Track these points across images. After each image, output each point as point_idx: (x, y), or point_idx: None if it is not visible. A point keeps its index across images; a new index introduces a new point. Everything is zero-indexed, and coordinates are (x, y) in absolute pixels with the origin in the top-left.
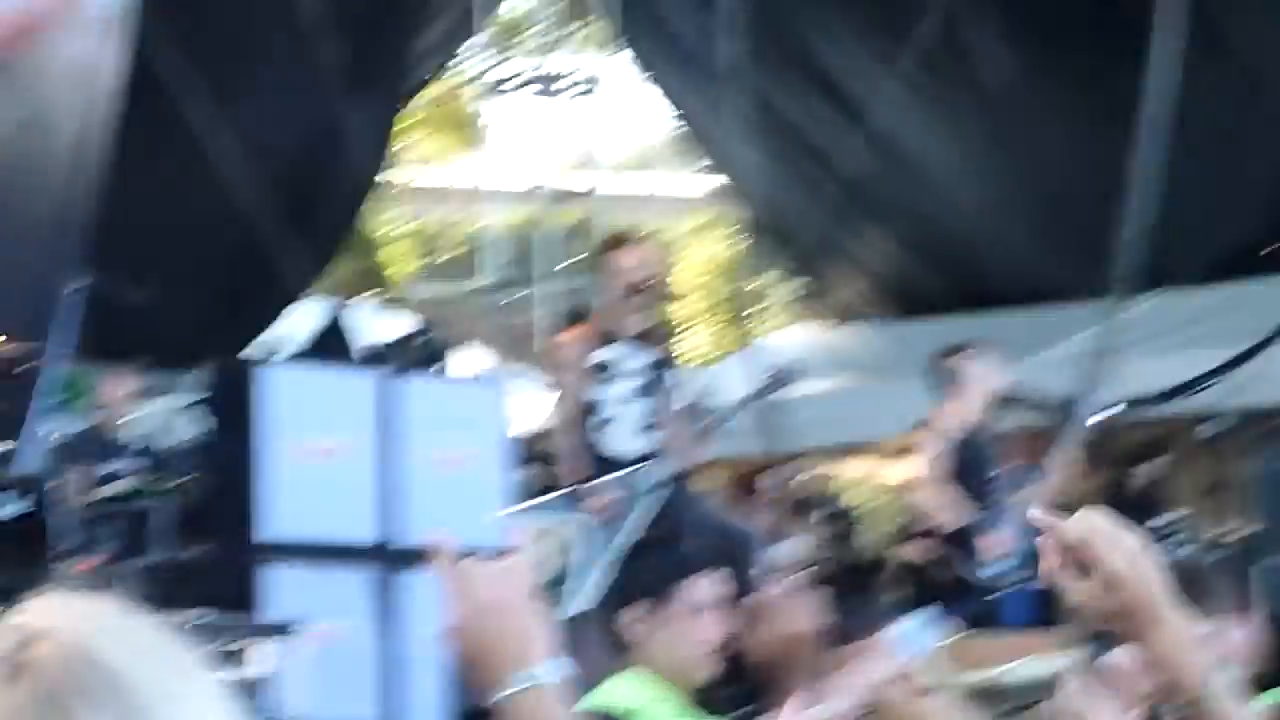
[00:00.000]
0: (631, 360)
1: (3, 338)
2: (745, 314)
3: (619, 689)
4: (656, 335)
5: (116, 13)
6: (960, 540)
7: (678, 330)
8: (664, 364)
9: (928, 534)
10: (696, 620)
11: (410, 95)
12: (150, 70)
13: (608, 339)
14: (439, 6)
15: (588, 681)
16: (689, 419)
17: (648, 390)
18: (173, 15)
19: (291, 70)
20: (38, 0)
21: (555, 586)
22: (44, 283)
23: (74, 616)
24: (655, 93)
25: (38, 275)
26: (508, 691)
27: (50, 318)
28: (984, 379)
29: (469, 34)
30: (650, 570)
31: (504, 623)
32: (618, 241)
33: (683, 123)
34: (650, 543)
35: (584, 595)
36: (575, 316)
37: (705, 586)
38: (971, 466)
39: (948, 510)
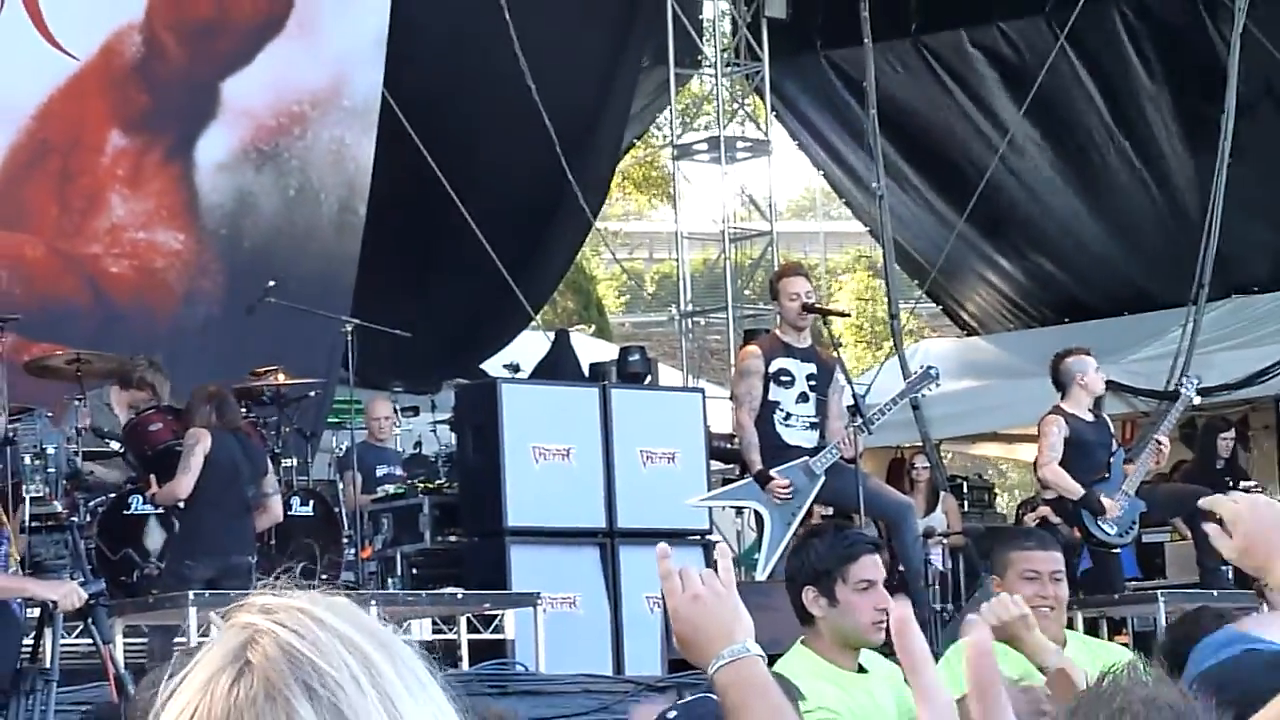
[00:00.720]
0: (802, 368)
1: (281, 374)
2: (893, 330)
3: (790, 662)
4: (821, 347)
5: (368, 103)
6: (1080, 506)
7: (838, 343)
8: (828, 371)
9: (1054, 502)
10: (866, 594)
11: (619, 157)
12: (402, 147)
13: (786, 351)
14: (641, 83)
15: (774, 641)
16: (851, 416)
17: (816, 392)
18: (418, 103)
19: (521, 137)
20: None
21: (748, 558)
22: (317, 325)
23: (299, 614)
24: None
25: (312, 319)
26: (722, 662)
27: (325, 353)
28: (1092, 375)
29: (663, 106)
30: (825, 551)
31: (714, 609)
32: (788, 271)
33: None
34: (824, 528)
35: (770, 564)
36: (754, 335)
37: (871, 565)
38: (1086, 447)
39: (1069, 482)
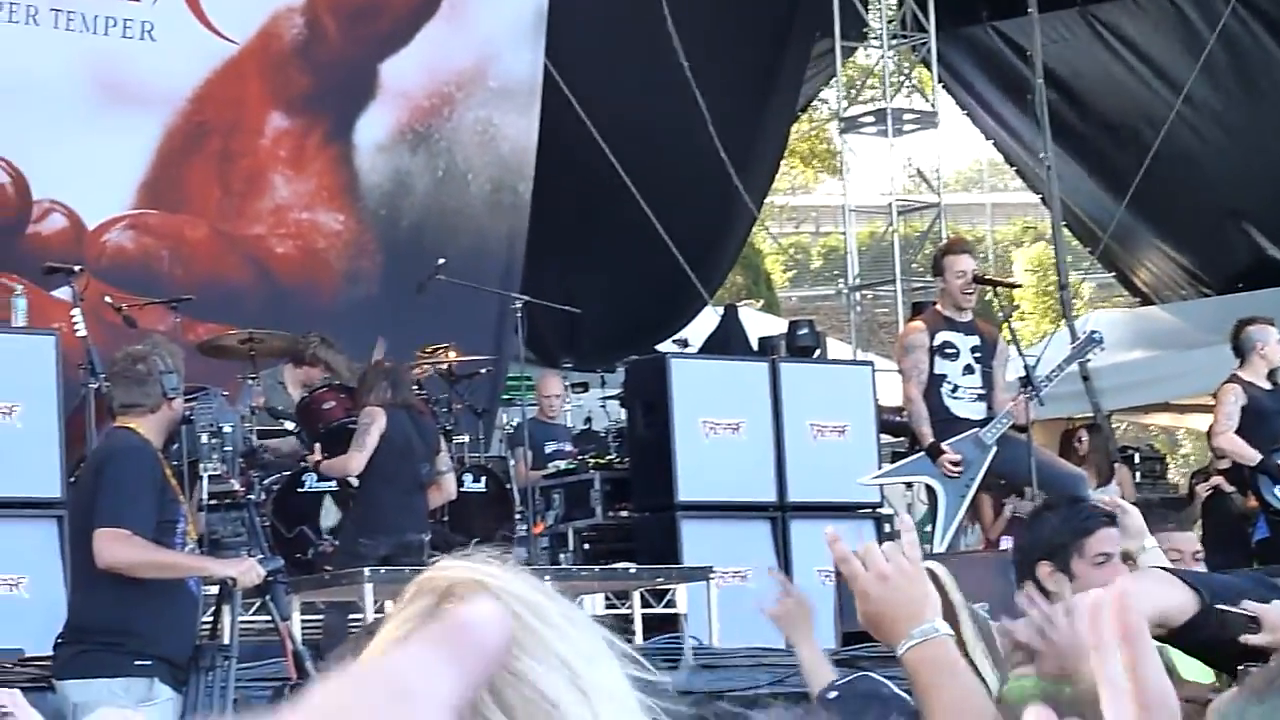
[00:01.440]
0: (966, 340)
1: (453, 352)
2: (1061, 300)
3: None
4: (982, 320)
5: (524, 84)
6: (1257, 473)
7: (1008, 315)
8: (991, 343)
9: (1228, 470)
10: (1102, 569)
11: (786, 139)
12: (573, 130)
13: (948, 324)
14: (811, 59)
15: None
16: (1020, 387)
17: (981, 364)
18: (587, 86)
19: (689, 120)
20: None
21: (921, 528)
22: (484, 303)
23: (488, 581)
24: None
25: (475, 297)
26: (912, 642)
27: (493, 330)
28: (1273, 345)
29: (828, 79)
30: (1060, 524)
31: (904, 588)
32: (953, 248)
33: (997, 149)
34: (1058, 500)
35: (947, 537)
36: (921, 308)
37: (1108, 538)
38: (1263, 415)
39: (1245, 449)
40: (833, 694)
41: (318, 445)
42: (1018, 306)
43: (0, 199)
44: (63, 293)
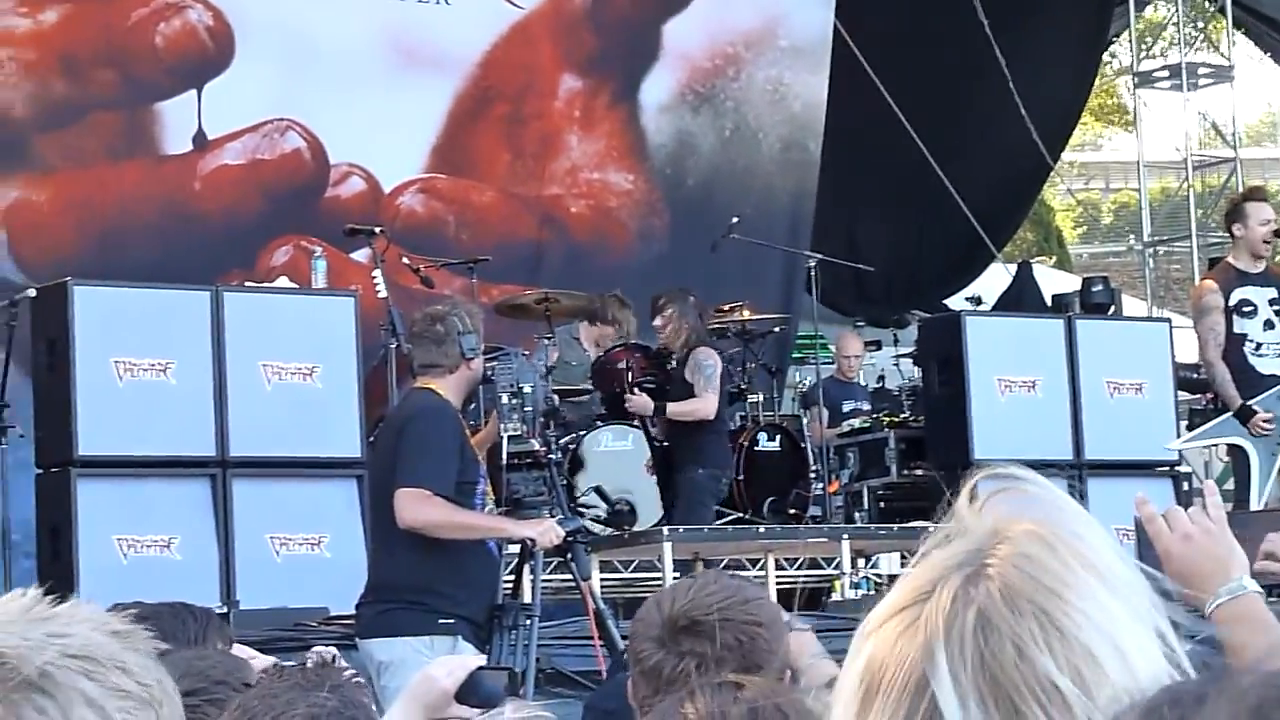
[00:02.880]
0: (1262, 293)
1: (747, 310)
2: None
3: None
4: (1275, 266)
5: (814, 42)
6: None
7: None
8: None
9: None
10: None
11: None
12: (865, 89)
13: (1242, 278)
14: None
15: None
16: None
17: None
18: (878, 47)
19: (984, 81)
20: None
21: (1220, 486)
22: (776, 261)
23: (1029, 525)
24: (1277, 74)
25: (768, 255)
26: (1220, 600)
27: (783, 288)
28: None
29: (1119, 33)
30: None
31: (1208, 548)
32: (1255, 195)
33: None
34: None
35: (1264, 495)
36: (1215, 264)
37: None
38: None
39: None
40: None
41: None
42: None
43: (297, 163)
44: (360, 255)
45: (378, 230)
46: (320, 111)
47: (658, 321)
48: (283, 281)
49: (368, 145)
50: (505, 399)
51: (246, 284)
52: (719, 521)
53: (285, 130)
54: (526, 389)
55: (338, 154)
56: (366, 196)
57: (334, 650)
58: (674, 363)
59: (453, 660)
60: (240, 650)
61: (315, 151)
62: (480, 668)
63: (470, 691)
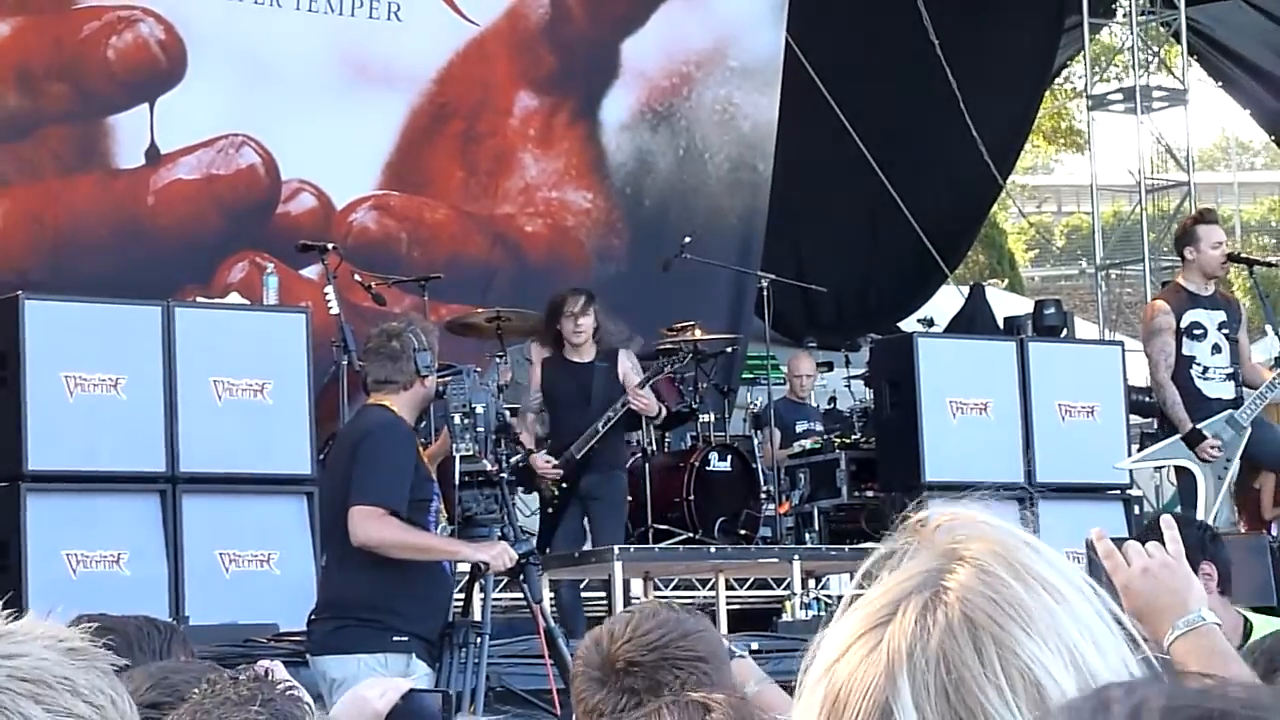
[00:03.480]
0: (1212, 317)
1: (698, 330)
2: None
3: None
4: (1229, 296)
5: (766, 62)
6: None
7: (1266, 295)
8: (1236, 312)
9: None
10: None
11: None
12: (814, 107)
13: (1193, 300)
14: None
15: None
16: (1268, 366)
17: (1229, 339)
18: (830, 65)
19: (932, 100)
20: None
21: (1169, 512)
22: (727, 281)
23: (989, 543)
24: (1229, 99)
25: (720, 275)
26: (1178, 633)
27: (733, 309)
28: None
29: (1072, 56)
30: None
31: (1166, 580)
32: (1206, 218)
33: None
34: None
35: (1211, 519)
36: (1166, 287)
37: None
38: None
39: None
40: None
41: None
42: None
43: (251, 179)
44: (311, 271)
45: (330, 247)
46: (273, 127)
47: (587, 320)
48: (234, 297)
49: (320, 161)
50: (458, 418)
51: (198, 299)
52: (670, 541)
53: (240, 145)
54: (479, 409)
55: (290, 170)
56: (318, 213)
57: (277, 663)
58: (588, 360)
59: (386, 681)
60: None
61: (269, 167)
62: (413, 690)
63: (404, 714)
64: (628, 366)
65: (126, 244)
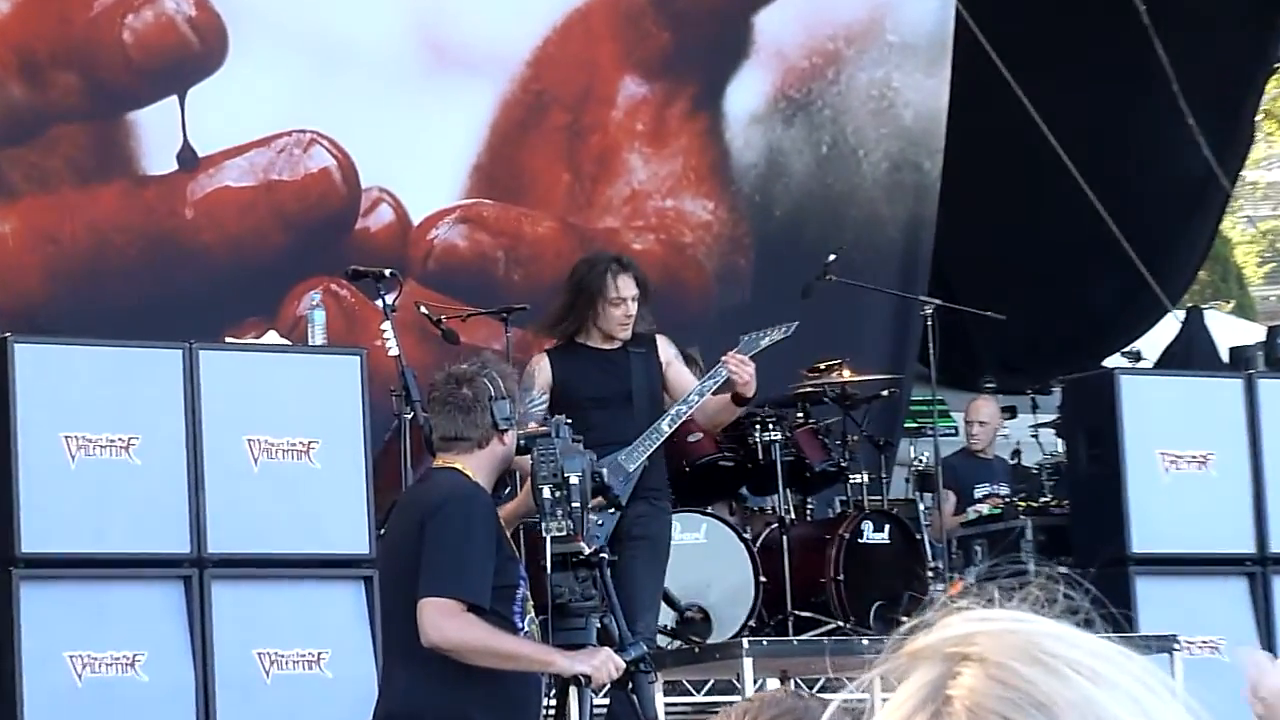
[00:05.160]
0: None
1: (847, 370)
2: None
3: None
4: None
5: (933, 37)
6: None
7: None
8: None
9: None
10: None
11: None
12: (993, 96)
13: None
14: None
15: None
16: None
17: None
18: (1008, 30)
19: (1129, 77)
20: None
21: None
22: (883, 310)
23: (998, 635)
24: None
25: (871, 304)
26: None
27: (894, 343)
28: None
29: None
30: None
31: None
32: None
33: None
34: None
35: None
36: None
37: None
38: None
39: None
40: None
41: None
42: None
43: (325, 186)
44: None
45: (388, 273)
46: (345, 123)
47: (635, 305)
48: (271, 337)
49: (396, 165)
50: (546, 491)
51: (227, 340)
52: (814, 632)
53: (309, 145)
54: (573, 479)
55: (368, 177)
56: (394, 229)
57: None
58: (618, 346)
59: None
60: None
61: (347, 172)
62: None
63: None
64: (671, 354)
65: (162, 268)
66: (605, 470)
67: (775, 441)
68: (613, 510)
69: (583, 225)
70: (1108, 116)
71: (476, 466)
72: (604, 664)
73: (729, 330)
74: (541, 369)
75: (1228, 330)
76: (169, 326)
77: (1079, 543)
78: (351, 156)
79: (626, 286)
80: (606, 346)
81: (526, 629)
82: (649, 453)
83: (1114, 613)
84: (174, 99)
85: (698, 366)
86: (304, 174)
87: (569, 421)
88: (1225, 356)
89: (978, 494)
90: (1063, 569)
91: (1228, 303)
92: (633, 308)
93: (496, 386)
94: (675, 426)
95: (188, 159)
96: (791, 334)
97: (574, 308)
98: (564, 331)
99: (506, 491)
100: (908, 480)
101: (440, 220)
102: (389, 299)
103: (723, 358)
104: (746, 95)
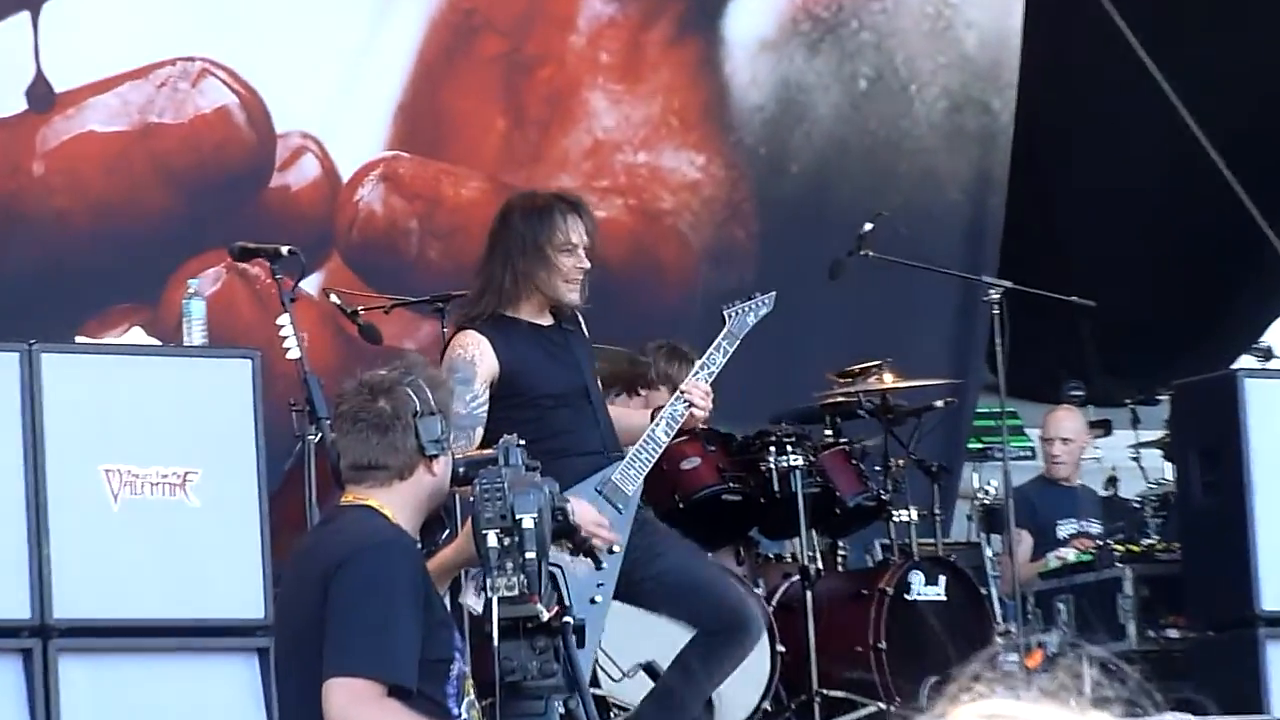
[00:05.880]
0: None
1: (888, 374)
2: None
3: None
4: None
5: None
6: None
7: None
8: None
9: None
10: None
11: None
12: (1070, 14)
13: None
14: None
15: None
16: None
17: None
18: None
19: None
20: None
21: None
22: (937, 296)
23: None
24: None
25: (927, 286)
26: None
27: (953, 340)
28: None
29: None
30: None
31: None
32: None
33: None
34: None
35: None
36: None
37: None
38: None
39: None
40: None
41: None
42: None
43: (225, 133)
44: (310, 284)
45: (285, 250)
46: (247, 50)
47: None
48: (136, 335)
49: (318, 103)
50: (492, 538)
51: (78, 340)
52: (850, 717)
53: (200, 76)
54: (527, 522)
55: (285, 119)
56: (322, 187)
57: None
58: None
59: None
60: None
61: (254, 113)
62: None
63: None
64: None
65: (3, 237)
66: (604, 492)
67: (796, 468)
68: (612, 549)
69: (524, 185)
70: (1225, 51)
71: (398, 504)
72: None
73: (720, 326)
74: (483, 353)
75: None
76: (3, 321)
77: (1194, 598)
78: (259, 93)
79: (578, 229)
80: (541, 322)
81: (465, 715)
82: (646, 470)
83: (1238, 687)
84: (25, 16)
85: (683, 362)
86: (194, 114)
87: (522, 444)
88: None
89: (1061, 534)
90: (1172, 631)
91: None
92: (585, 261)
93: (423, 398)
94: (673, 434)
95: (41, 96)
96: (772, 308)
97: (508, 264)
98: (488, 305)
99: (444, 536)
100: (970, 517)
101: (365, 177)
102: (291, 285)
103: (681, 387)
104: (753, 15)
